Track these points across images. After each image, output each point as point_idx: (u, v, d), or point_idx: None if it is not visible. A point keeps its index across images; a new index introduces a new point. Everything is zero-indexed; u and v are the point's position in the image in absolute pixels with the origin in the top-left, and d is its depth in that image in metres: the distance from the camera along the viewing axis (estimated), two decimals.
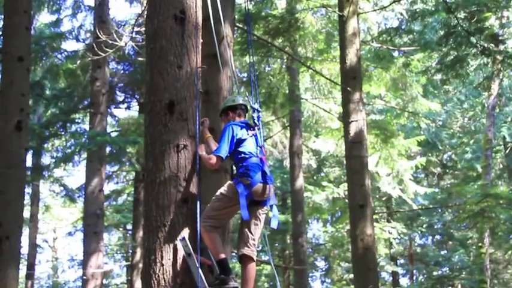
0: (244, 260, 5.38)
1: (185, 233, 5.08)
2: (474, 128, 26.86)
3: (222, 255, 5.24)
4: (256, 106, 5.79)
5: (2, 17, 9.85)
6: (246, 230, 5.41)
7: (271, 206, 5.55)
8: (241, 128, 5.53)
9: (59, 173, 25.56)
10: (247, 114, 5.89)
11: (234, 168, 5.57)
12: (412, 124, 21.92)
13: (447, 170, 27.76)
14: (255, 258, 5.43)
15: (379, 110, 21.78)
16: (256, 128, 5.62)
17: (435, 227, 27.13)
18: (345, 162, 12.46)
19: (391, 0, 14.44)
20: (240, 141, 5.45)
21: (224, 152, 5.37)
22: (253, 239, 5.43)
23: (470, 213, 14.95)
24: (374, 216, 11.61)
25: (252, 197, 5.29)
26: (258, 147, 5.55)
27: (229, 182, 5.48)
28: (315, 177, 25.01)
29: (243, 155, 5.43)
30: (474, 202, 14.39)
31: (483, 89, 19.50)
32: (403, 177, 17.95)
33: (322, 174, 24.85)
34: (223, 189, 5.37)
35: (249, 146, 5.48)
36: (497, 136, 23.77)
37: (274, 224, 5.52)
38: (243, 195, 5.22)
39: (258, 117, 5.70)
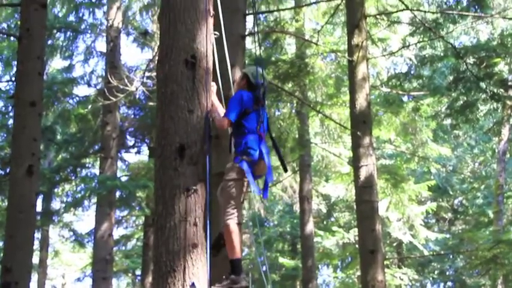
0: (239, 227, 5.50)
1: (195, 278, 5.02)
2: (485, 173, 26.78)
3: (239, 255, 5.31)
4: (262, 81, 5.79)
5: (15, 63, 9.93)
6: (240, 201, 5.54)
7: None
8: (250, 100, 5.60)
9: (69, 218, 25.59)
10: None
11: (233, 142, 5.63)
12: (422, 169, 21.88)
13: (458, 216, 27.51)
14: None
15: (389, 154, 21.76)
16: (260, 104, 5.66)
17: (447, 273, 26.80)
18: (355, 207, 12.37)
19: (400, 45, 14.56)
20: (246, 112, 5.53)
21: (233, 115, 5.47)
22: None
23: (482, 260, 14.75)
24: (385, 262, 11.47)
25: (253, 174, 5.40)
26: (260, 123, 5.60)
27: (228, 165, 5.52)
28: (325, 222, 24.85)
29: (243, 129, 5.51)
30: (486, 248, 14.22)
31: (493, 134, 19.55)
32: (413, 223, 17.82)
33: (332, 219, 24.68)
34: (228, 177, 5.45)
35: (251, 121, 5.55)
36: (508, 181, 23.65)
37: (266, 195, 5.72)
38: (249, 173, 5.33)
39: (264, 93, 5.74)
